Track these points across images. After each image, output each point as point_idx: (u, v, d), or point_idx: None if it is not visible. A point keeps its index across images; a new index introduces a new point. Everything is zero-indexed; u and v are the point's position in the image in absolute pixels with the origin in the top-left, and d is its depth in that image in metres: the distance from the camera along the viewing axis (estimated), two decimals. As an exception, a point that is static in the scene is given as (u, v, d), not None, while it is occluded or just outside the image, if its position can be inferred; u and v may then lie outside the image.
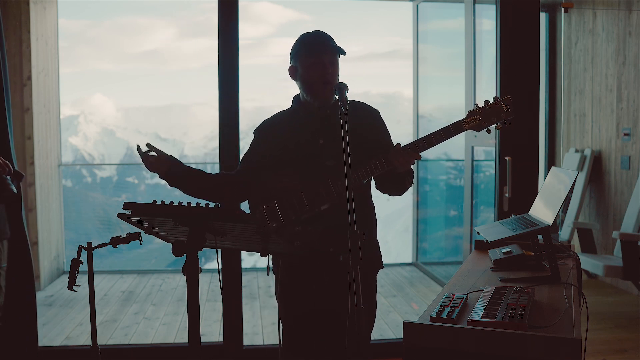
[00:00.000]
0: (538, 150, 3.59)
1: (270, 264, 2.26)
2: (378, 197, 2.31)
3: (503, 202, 3.52)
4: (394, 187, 2.21)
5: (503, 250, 2.30)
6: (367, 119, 2.23)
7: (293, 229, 2.07)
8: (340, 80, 2.16)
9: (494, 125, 2.10)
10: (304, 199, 2.08)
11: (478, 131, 2.11)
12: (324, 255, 2.12)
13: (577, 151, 6.24)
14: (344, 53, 2.15)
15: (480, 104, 2.11)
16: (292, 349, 2.26)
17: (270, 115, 2.31)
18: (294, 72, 2.20)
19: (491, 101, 2.10)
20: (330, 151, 2.12)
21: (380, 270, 2.30)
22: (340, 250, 2.07)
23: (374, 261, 2.25)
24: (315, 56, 2.12)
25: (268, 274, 2.22)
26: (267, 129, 2.27)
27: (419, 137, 7.30)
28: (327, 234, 2.09)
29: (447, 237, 6.94)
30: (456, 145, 5.94)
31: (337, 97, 2.03)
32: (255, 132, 2.30)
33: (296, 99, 2.26)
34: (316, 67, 2.12)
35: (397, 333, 4.43)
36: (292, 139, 2.18)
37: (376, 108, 2.30)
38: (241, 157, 2.34)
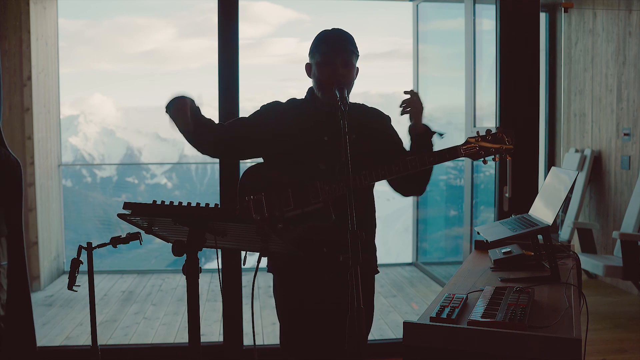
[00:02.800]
0: (538, 150, 3.59)
1: (247, 256, 2.23)
2: (378, 197, 2.30)
3: (503, 202, 3.52)
4: (415, 185, 2.18)
5: (503, 250, 2.30)
6: (377, 122, 2.21)
7: (275, 225, 2.06)
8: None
9: (492, 157, 2.04)
10: (291, 197, 2.05)
11: (474, 160, 2.06)
12: (318, 255, 2.11)
13: (577, 151, 6.24)
14: (357, 55, 2.13)
15: (482, 132, 2.05)
16: (290, 348, 2.26)
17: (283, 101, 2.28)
18: (308, 69, 2.18)
19: (493, 131, 2.04)
20: (329, 152, 2.11)
21: (380, 270, 2.30)
22: (334, 249, 2.09)
23: (371, 264, 2.24)
24: (328, 55, 2.10)
25: (244, 265, 2.19)
26: (275, 109, 2.23)
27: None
28: (315, 233, 2.07)
29: (447, 237, 6.94)
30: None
31: (337, 96, 2.02)
32: (262, 107, 2.25)
33: (310, 90, 2.24)
34: (328, 66, 2.10)
35: (397, 333, 4.43)
36: (297, 127, 2.15)
37: (387, 114, 2.28)
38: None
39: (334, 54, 2.10)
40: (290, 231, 2.05)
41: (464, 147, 2.04)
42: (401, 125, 2.25)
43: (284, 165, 2.13)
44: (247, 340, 3.99)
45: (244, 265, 2.15)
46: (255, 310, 5.14)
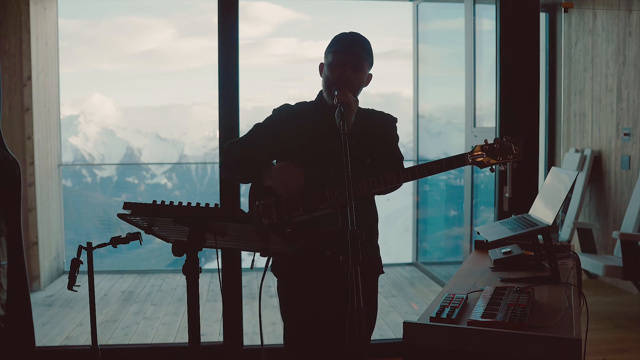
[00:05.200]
0: (538, 150, 3.59)
1: (255, 260, 2.23)
2: (378, 198, 2.30)
3: (503, 202, 3.52)
4: (388, 190, 2.18)
5: (503, 250, 2.30)
6: (381, 127, 2.20)
7: (284, 229, 2.06)
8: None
9: (498, 165, 2.02)
10: (300, 202, 2.05)
11: (481, 168, 2.04)
12: (321, 258, 2.11)
13: (577, 151, 6.24)
14: (370, 62, 2.13)
15: (490, 141, 2.03)
16: (295, 350, 2.26)
17: (293, 103, 2.27)
18: (321, 69, 2.18)
19: (502, 140, 2.02)
20: (338, 159, 2.10)
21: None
22: (337, 253, 2.09)
23: (374, 265, 2.24)
24: (339, 57, 2.09)
25: (252, 268, 2.19)
26: (286, 114, 2.22)
27: (419, 136, 7.23)
28: (318, 237, 2.07)
29: (447, 237, 6.94)
30: (456, 146, 5.94)
31: (336, 95, 2.02)
32: (274, 111, 2.23)
33: (321, 93, 2.23)
34: (336, 68, 2.09)
35: (397, 333, 4.43)
36: (307, 133, 2.15)
37: (395, 116, 2.27)
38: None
39: (344, 56, 2.09)
40: (299, 236, 2.05)
41: (471, 155, 2.02)
42: (402, 124, 2.25)
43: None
44: (247, 340, 3.99)
45: (251, 268, 2.15)
46: (255, 310, 5.13)
